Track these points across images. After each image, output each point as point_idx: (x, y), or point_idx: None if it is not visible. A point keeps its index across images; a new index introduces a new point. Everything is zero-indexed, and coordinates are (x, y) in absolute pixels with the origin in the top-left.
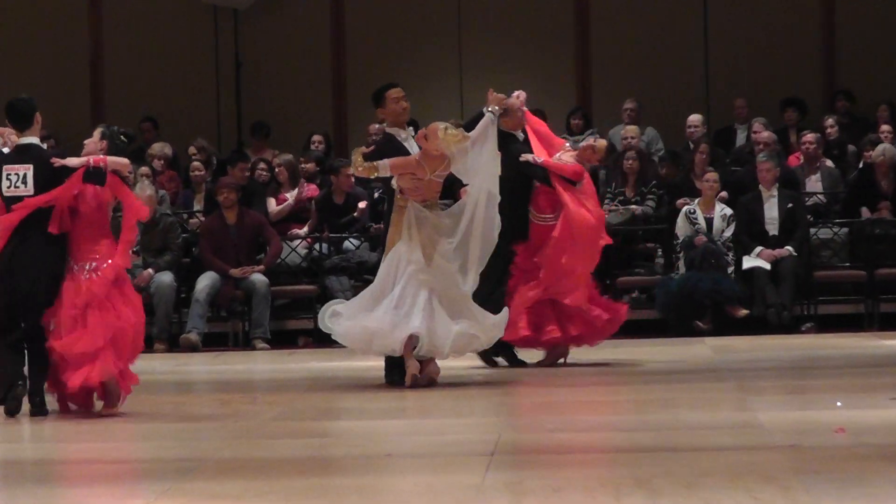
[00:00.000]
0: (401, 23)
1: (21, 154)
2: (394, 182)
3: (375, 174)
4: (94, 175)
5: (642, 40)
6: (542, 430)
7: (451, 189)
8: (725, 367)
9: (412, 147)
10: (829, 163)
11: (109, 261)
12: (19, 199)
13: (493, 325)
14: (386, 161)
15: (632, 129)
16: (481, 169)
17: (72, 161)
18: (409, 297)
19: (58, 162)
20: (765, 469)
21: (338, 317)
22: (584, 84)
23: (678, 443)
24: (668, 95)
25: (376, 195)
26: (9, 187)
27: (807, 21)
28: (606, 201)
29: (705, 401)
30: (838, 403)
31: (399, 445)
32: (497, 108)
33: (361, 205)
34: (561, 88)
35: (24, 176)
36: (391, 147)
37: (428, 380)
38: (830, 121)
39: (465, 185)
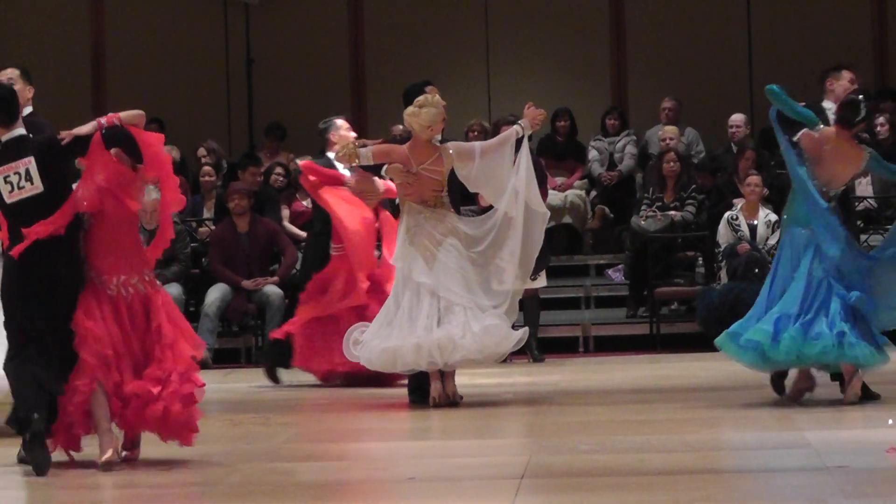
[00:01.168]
0: (423, 16)
1: (13, 150)
2: (383, 171)
3: (357, 161)
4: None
5: (681, 34)
6: (575, 452)
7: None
8: (769, 383)
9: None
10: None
11: (147, 275)
12: (29, 200)
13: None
14: (369, 148)
15: (671, 130)
16: (503, 181)
17: (81, 129)
18: (415, 308)
19: (66, 135)
20: (813, 492)
21: (359, 344)
22: (619, 82)
23: (720, 464)
24: (708, 93)
25: (397, 201)
26: (11, 192)
27: (857, 14)
28: (643, 207)
29: (749, 419)
30: (890, 422)
31: (422, 469)
32: (528, 124)
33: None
34: (595, 87)
35: (27, 172)
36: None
37: (447, 399)
38: (881, 119)
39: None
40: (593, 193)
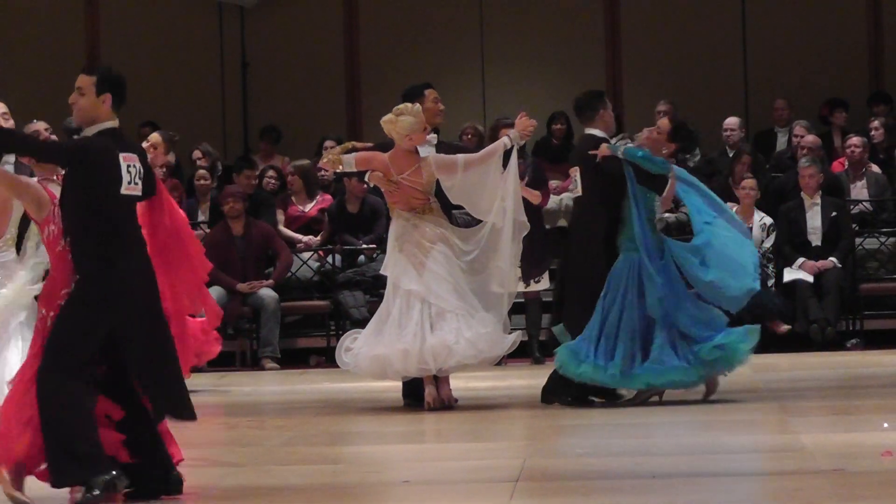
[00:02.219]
0: (418, 19)
1: (126, 141)
2: (367, 177)
3: (340, 168)
4: None
5: (676, 38)
6: (571, 455)
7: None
8: (766, 386)
9: (426, 153)
10: (875, 168)
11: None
12: (133, 199)
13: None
14: (352, 154)
15: (662, 124)
16: (505, 201)
17: None
18: (405, 315)
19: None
20: (808, 495)
21: (350, 352)
22: (614, 85)
23: (716, 468)
24: (703, 97)
25: None
26: (129, 183)
27: (852, 18)
28: None
29: (744, 423)
30: (885, 425)
31: (417, 472)
32: (517, 136)
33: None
34: (591, 88)
35: (139, 171)
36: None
37: (441, 403)
38: (876, 123)
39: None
40: None
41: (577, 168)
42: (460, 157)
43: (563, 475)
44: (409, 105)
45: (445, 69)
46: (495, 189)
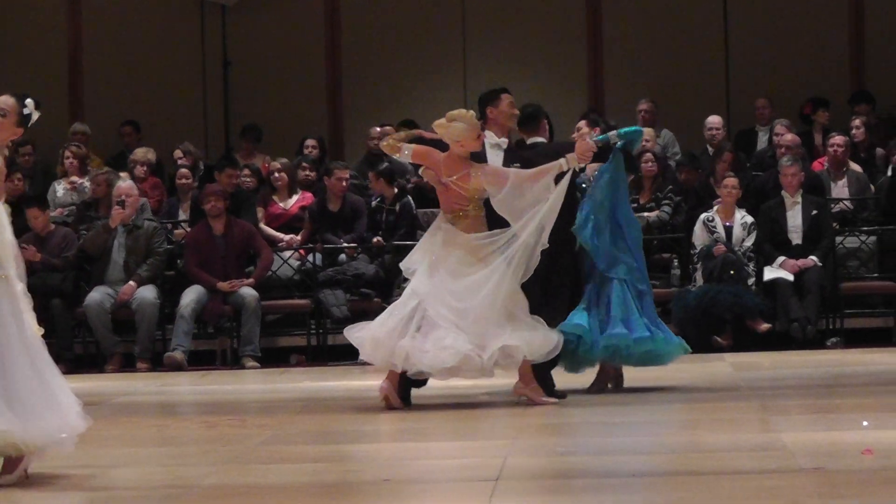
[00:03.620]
0: (400, 17)
1: None
2: (420, 172)
3: (398, 155)
4: None
5: (658, 36)
6: (552, 454)
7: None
8: (747, 385)
9: (493, 157)
10: (856, 167)
11: None
12: None
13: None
14: (412, 145)
15: (647, 132)
16: (536, 219)
17: None
18: (399, 307)
19: None
20: (789, 493)
21: (357, 327)
22: (596, 84)
23: (697, 466)
24: (685, 95)
25: (373, 203)
26: None
27: (833, 17)
28: None
29: (726, 421)
30: (865, 423)
31: (397, 470)
32: (575, 159)
33: None
34: (572, 89)
35: None
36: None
37: (390, 403)
38: (858, 122)
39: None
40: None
41: None
42: (511, 171)
43: (544, 474)
44: (462, 111)
45: (427, 68)
46: (536, 203)
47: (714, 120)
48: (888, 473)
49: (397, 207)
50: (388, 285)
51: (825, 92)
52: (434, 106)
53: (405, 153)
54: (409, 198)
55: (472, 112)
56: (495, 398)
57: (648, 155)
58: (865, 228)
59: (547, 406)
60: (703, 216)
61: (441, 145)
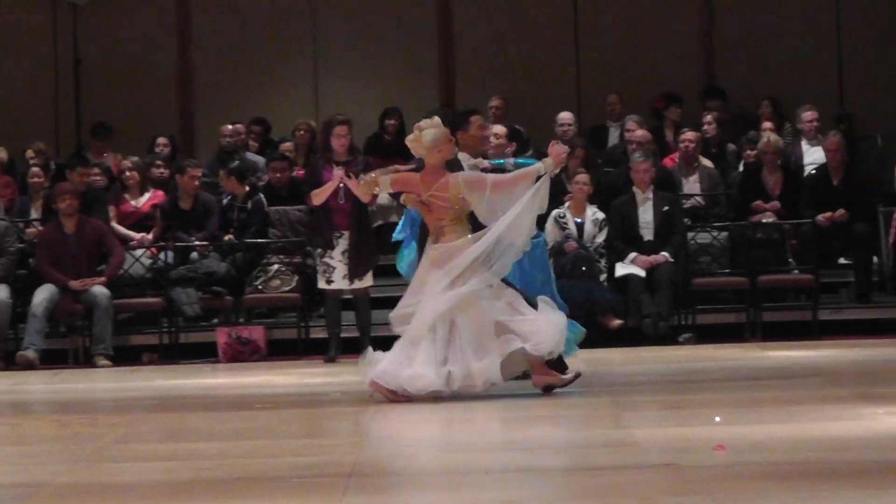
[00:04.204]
0: (250, 16)
1: None
2: (402, 199)
3: (376, 190)
4: None
5: (509, 33)
6: (404, 451)
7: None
8: (598, 381)
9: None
10: (707, 163)
11: None
12: None
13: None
14: (387, 176)
15: (499, 129)
16: (508, 219)
17: None
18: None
19: None
20: (640, 490)
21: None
22: (447, 80)
23: (548, 463)
24: (536, 92)
25: (224, 201)
26: None
27: (685, 12)
28: None
29: (577, 417)
30: (717, 419)
31: (250, 468)
32: (551, 164)
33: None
34: (424, 85)
35: None
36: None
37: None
38: (709, 118)
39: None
40: None
41: None
42: (489, 177)
43: (396, 470)
44: (426, 120)
45: (278, 66)
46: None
47: (565, 116)
48: (740, 469)
49: (249, 205)
50: (240, 283)
51: (677, 87)
52: (285, 103)
53: (383, 185)
54: (261, 195)
55: (436, 118)
56: (347, 396)
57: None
58: (717, 224)
59: (398, 404)
60: (554, 213)
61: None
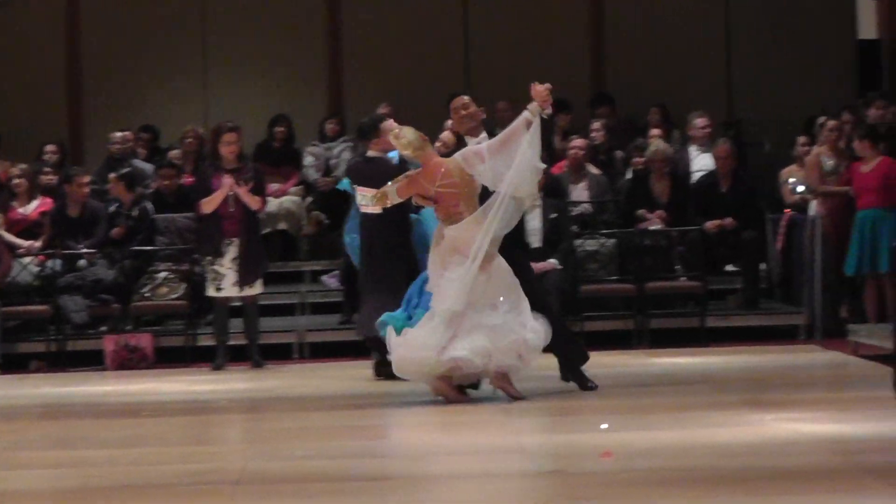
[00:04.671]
0: (140, 21)
1: None
2: (414, 201)
3: (387, 203)
4: None
5: (398, 40)
6: (291, 458)
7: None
8: (487, 387)
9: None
10: (595, 170)
11: None
12: None
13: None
14: (392, 186)
15: (446, 136)
16: (508, 172)
17: None
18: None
19: None
20: (528, 496)
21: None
22: (337, 87)
23: (435, 469)
24: (425, 98)
25: (112, 209)
26: None
27: (574, 18)
28: None
29: (464, 423)
30: (604, 426)
31: (138, 475)
32: (536, 107)
33: None
34: (312, 93)
35: None
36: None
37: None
38: (597, 125)
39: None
40: (309, 199)
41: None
42: (485, 146)
43: (283, 478)
44: (395, 129)
45: (167, 73)
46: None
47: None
48: (627, 475)
49: (135, 212)
50: (127, 291)
51: (565, 94)
52: (174, 110)
53: (391, 195)
54: (147, 203)
55: (404, 127)
56: (234, 403)
57: None
58: (605, 231)
59: (289, 410)
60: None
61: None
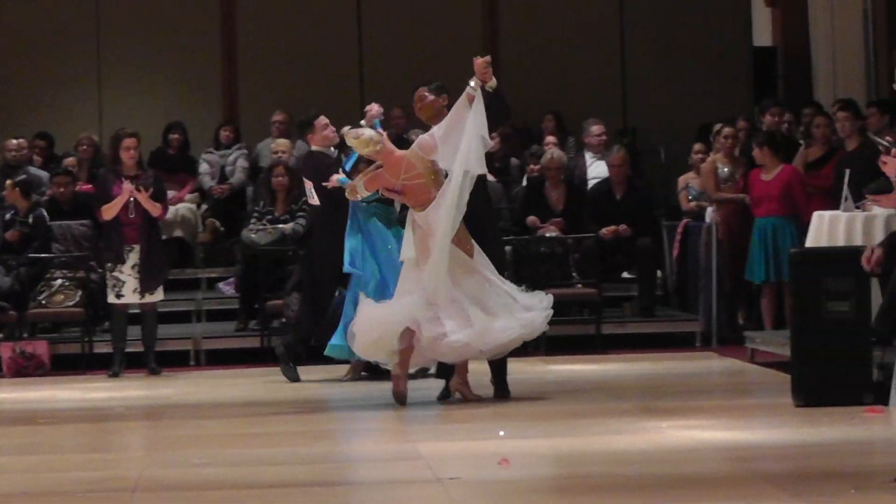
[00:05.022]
0: (33, 25)
1: None
2: (381, 192)
3: (357, 196)
4: None
5: (292, 47)
6: (188, 465)
7: None
8: (383, 395)
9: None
10: (491, 177)
11: None
12: None
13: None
14: (360, 180)
15: (282, 143)
16: (458, 150)
17: None
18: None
19: None
20: None
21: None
22: (231, 95)
23: (333, 477)
24: (320, 107)
25: (7, 216)
26: None
27: (468, 27)
28: (253, 220)
29: (362, 431)
30: (501, 433)
31: (34, 483)
32: (478, 81)
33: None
34: (207, 100)
35: None
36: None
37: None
38: (493, 133)
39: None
40: (204, 207)
41: (309, 182)
42: (433, 132)
43: (179, 485)
44: (350, 137)
45: (61, 80)
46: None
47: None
48: (525, 483)
49: (30, 220)
50: (23, 298)
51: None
52: (68, 118)
53: (360, 190)
54: (42, 210)
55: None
56: (131, 411)
57: (281, 168)
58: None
59: (185, 418)
60: None
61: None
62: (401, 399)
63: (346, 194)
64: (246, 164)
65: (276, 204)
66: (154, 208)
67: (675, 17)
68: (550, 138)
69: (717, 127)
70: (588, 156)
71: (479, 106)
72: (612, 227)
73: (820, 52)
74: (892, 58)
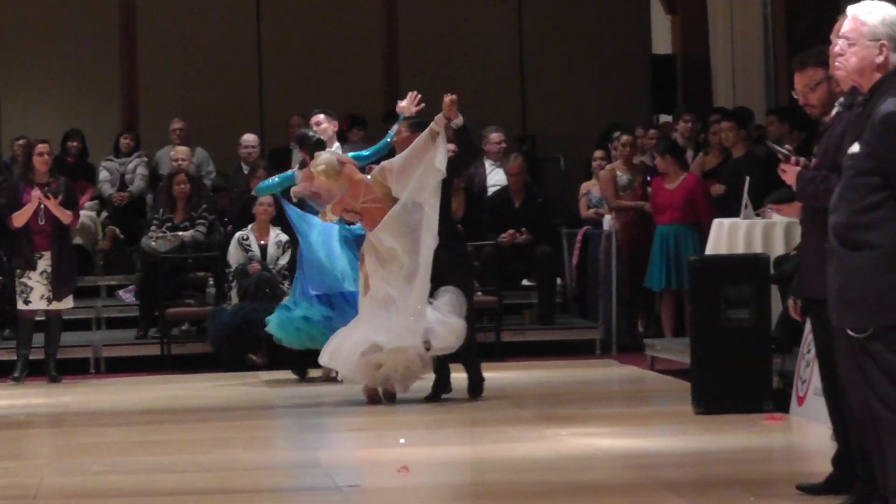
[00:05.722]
0: None
1: None
2: (343, 216)
3: (326, 219)
4: None
5: (193, 54)
6: (88, 473)
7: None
8: (281, 403)
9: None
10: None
11: None
12: None
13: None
14: (328, 206)
15: (182, 151)
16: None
17: None
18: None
19: None
20: None
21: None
22: (130, 102)
23: (232, 485)
24: (219, 113)
25: None
26: None
27: (368, 34)
28: (153, 228)
29: (260, 439)
30: (402, 441)
31: None
32: (439, 118)
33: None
34: (106, 107)
35: None
36: None
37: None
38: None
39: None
40: (104, 214)
41: None
42: (395, 164)
43: (80, 493)
44: (322, 166)
45: None
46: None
47: (249, 138)
48: (424, 491)
49: None
50: None
51: (360, 109)
52: None
53: (329, 215)
54: None
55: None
56: (32, 418)
57: (181, 175)
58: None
59: (84, 426)
60: (237, 235)
61: None
62: (374, 399)
63: (319, 216)
64: (146, 172)
65: (176, 211)
66: (64, 216)
67: (574, 25)
68: (450, 146)
69: (616, 134)
70: (488, 163)
71: (441, 143)
72: (511, 232)
73: (720, 60)
74: (791, 65)
